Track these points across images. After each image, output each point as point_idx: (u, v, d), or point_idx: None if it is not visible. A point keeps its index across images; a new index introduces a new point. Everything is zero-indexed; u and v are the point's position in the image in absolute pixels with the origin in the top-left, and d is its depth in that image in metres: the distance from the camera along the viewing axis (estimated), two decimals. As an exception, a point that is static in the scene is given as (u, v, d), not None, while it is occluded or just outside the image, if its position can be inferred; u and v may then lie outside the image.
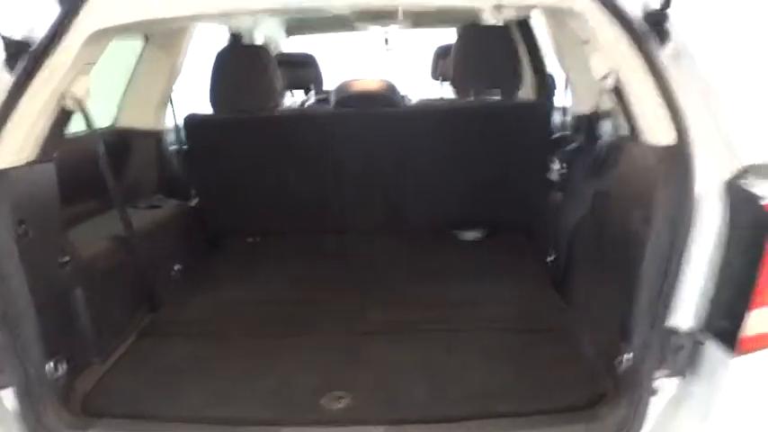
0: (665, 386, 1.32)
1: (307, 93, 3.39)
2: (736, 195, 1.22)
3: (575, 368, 1.57)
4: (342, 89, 2.56)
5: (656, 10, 1.35)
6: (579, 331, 1.72)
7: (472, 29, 2.24)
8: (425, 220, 2.46)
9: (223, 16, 2.05)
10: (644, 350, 1.32)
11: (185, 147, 2.44)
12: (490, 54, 2.14)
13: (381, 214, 2.46)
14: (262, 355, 1.70)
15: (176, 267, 2.21)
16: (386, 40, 4.02)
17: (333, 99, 2.56)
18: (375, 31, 3.94)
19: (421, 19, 3.41)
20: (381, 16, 2.77)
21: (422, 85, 3.91)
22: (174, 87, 2.38)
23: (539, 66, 2.89)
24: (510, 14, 2.81)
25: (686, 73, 1.33)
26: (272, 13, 2.32)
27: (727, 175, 1.24)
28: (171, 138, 2.48)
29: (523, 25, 2.90)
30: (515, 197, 2.36)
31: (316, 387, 1.52)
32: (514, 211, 2.38)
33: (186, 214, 2.38)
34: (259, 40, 3.31)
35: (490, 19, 3.11)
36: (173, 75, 2.33)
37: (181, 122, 2.44)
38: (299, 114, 2.82)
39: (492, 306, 1.91)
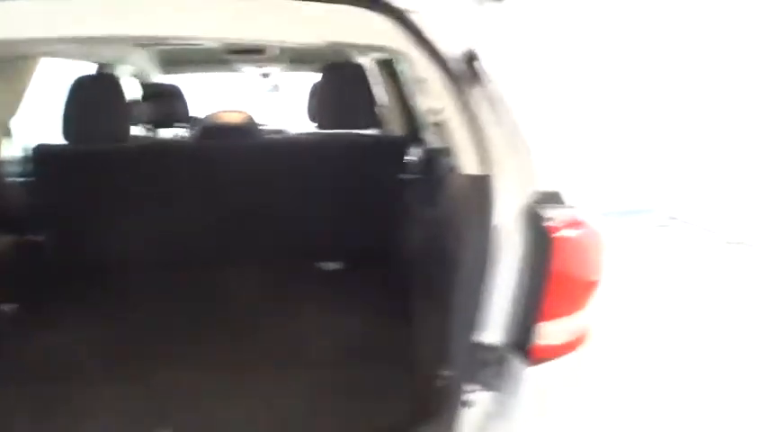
0: (479, 400, 1.42)
1: (191, 126, 3.32)
2: (529, 219, 1.35)
3: (406, 391, 1.65)
4: (204, 121, 2.56)
5: (470, 52, 1.50)
6: (416, 354, 1.80)
7: (332, 67, 2.33)
8: (285, 251, 2.48)
9: (71, 42, 2.00)
10: (457, 367, 1.41)
11: (31, 178, 2.33)
12: (348, 91, 2.24)
13: (241, 246, 2.45)
14: (82, 400, 1.64)
15: (7, 308, 2.07)
16: (265, 78, 4.12)
17: (195, 131, 2.56)
18: (254, 72, 4.03)
19: (296, 60, 3.51)
20: (249, 52, 2.84)
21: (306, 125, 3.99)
22: (15, 117, 2.27)
23: (405, 103, 3.03)
24: (376, 55, 2.96)
25: (495, 111, 1.46)
26: (124, 41, 2.28)
27: (524, 202, 1.38)
28: (13, 169, 2.35)
29: (389, 64, 3.04)
30: (372, 228, 2.44)
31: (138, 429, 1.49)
32: (372, 241, 2.46)
33: (24, 250, 2.25)
34: (127, 74, 3.26)
35: (358, 58, 3.27)
36: (15, 104, 2.24)
37: (26, 153, 2.32)
38: (159, 146, 2.78)
39: (334, 336, 1.96)
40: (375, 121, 2.34)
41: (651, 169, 6.13)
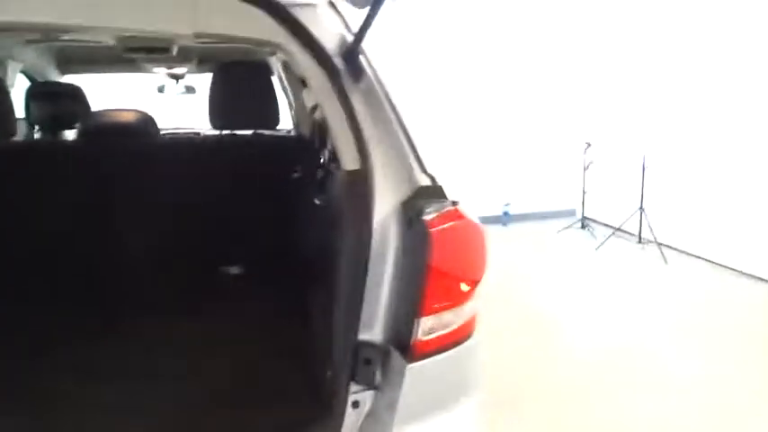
0: (364, 399, 1.40)
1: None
2: (408, 214, 1.34)
3: (296, 393, 1.62)
4: (90, 119, 2.41)
5: (350, 48, 1.48)
6: (307, 356, 1.77)
7: (229, 65, 2.26)
8: (183, 254, 2.38)
9: None
10: (341, 366, 1.38)
11: None
12: (244, 90, 2.18)
13: (136, 252, 2.34)
14: None
15: None
16: (178, 80, 3.98)
17: (79, 130, 2.41)
18: (166, 74, 3.89)
19: (205, 60, 3.41)
20: (151, 51, 2.72)
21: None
22: None
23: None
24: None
25: (374, 107, 1.45)
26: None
27: (403, 197, 1.37)
28: None
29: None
30: (272, 230, 2.39)
31: None
32: (276, 243, 2.41)
33: None
34: (20, 74, 3.08)
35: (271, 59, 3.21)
36: None
37: None
38: (36, 146, 2.61)
39: (227, 340, 1.92)
40: (275, 121, 2.28)
41: (572, 173, 6.34)
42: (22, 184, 2.20)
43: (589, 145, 5.91)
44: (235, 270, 2.48)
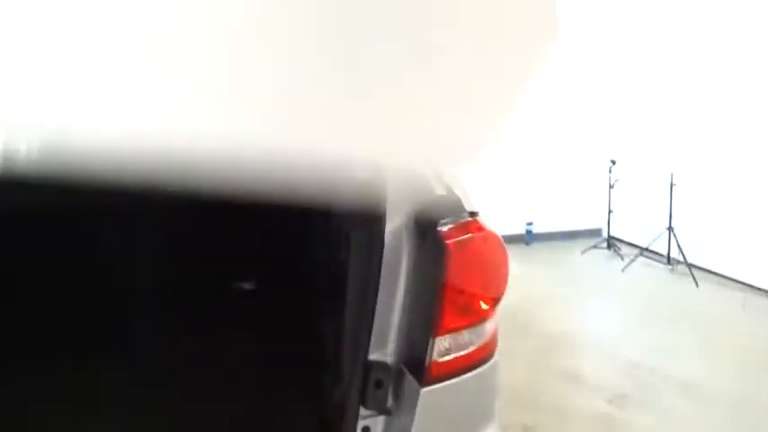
0: (375, 425, 1.30)
1: None
2: (421, 225, 1.25)
3: (303, 415, 1.53)
4: None
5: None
6: (317, 375, 1.68)
7: None
8: (196, 268, 2.33)
9: None
10: (349, 388, 1.29)
11: None
12: None
13: (142, 260, 2.28)
14: None
15: None
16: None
17: None
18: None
19: None
20: None
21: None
22: None
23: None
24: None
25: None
26: None
27: (417, 207, 1.28)
28: None
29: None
30: (289, 243, 2.32)
31: None
32: (290, 256, 2.34)
33: None
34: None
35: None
36: None
37: None
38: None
39: (234, 357, 1.85)
40: None
41: (598, 191, 6.18)
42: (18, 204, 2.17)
43: (614, 162, 5.77)
44: (247, 285, 2.41)
